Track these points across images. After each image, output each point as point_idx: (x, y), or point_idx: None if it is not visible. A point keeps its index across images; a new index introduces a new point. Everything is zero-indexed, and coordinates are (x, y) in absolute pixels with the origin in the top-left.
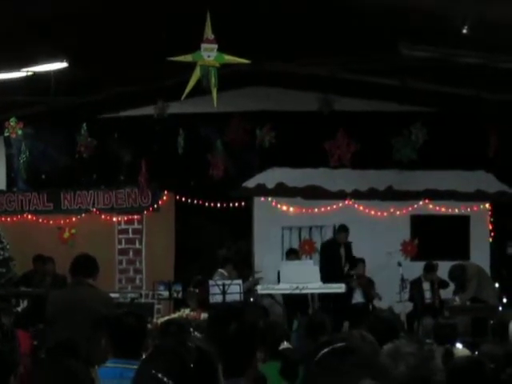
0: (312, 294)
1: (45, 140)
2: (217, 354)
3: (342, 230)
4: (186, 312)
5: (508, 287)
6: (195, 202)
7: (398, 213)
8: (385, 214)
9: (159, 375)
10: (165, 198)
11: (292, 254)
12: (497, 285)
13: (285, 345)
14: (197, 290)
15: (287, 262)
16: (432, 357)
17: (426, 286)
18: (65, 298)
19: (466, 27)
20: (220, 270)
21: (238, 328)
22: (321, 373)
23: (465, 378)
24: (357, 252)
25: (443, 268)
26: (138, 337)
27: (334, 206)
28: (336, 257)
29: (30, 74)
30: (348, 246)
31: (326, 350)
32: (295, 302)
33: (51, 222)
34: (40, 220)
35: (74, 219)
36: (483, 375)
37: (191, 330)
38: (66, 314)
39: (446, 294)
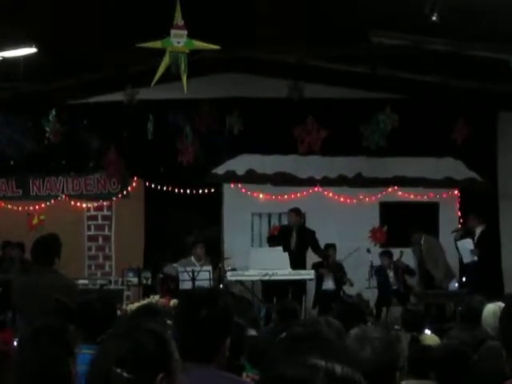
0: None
1: (13, 126)
2: (170, 336)
3: (291, 210)
4: (155, 298)
5: (472, 273)
6: (165, 188)
7: (367, 200)
8: (354, 200)
9: (112, 367)
10: (134, 184)
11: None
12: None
13: (252, 332)
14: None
15: (257, 248)
16: (399, 341)
17: (391, 272)
18: (27, 284)
19: (435, 14)
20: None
21: (209, 314)
22: (278, 356)
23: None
24: (326, 239)
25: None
26: (107, 322)
27: (304, 193)
28: (285, 241)
29: None
30: (301, 231)
31: (284, 335)
32: (272, 288)
33: (20, 208)
34: (9, 206)
35: (42, 205)
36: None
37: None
38: (29, 301)
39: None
